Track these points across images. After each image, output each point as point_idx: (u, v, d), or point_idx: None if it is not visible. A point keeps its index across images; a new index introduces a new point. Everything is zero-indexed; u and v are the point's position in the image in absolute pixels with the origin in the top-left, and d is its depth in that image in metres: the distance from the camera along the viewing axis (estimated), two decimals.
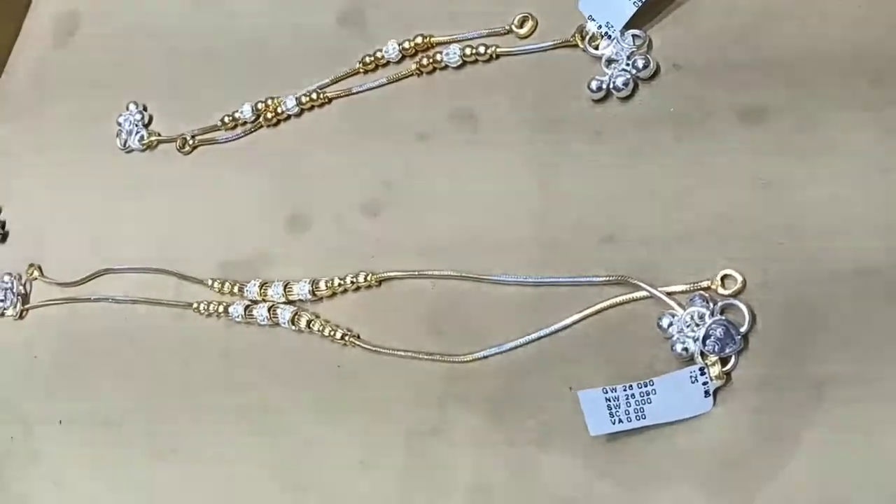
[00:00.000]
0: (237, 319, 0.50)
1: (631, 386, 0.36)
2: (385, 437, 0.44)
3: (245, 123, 0.55)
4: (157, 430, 0.51)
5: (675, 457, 0.36)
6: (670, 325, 0.37)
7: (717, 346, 0.36)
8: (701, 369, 0.35)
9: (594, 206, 0.42)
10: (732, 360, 0.36)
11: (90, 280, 0.58)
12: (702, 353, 0.36)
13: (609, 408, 0.36)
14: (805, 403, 0.35)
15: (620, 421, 0.36)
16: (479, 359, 0.43)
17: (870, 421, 0.34)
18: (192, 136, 0.57)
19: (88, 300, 0.58)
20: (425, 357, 0.44)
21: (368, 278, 0.47)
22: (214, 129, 0.56)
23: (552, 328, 0.41)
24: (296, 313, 0.48)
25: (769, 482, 0.34)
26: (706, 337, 0.36)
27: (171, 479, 0.50)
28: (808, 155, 0.38)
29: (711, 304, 0.37)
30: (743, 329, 0.36)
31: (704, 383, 0.35)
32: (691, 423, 0.36)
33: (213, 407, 0.50)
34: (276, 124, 0.54)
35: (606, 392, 0.36)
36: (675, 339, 0.37)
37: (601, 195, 0.42)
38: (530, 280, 0.42)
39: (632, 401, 0.36)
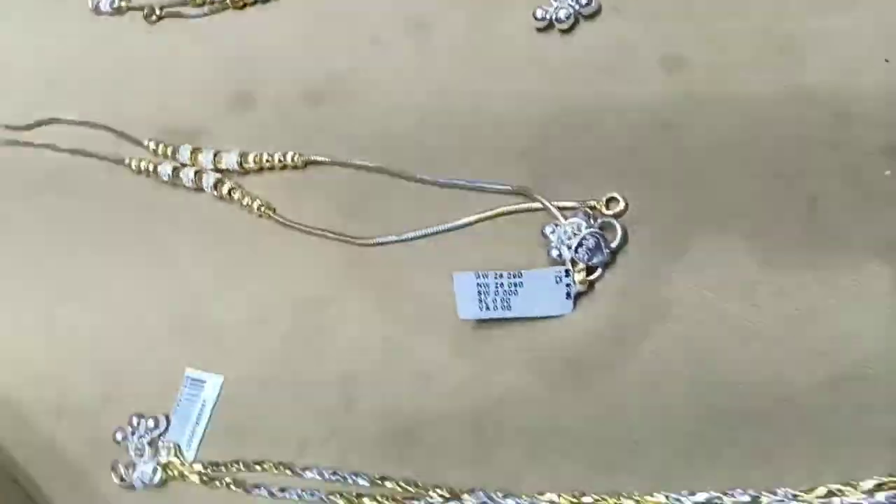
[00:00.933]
0: (164, 179, 0.52)
1: (501, 275, 0.38)
2: (277, 302, 0.46)
3: (213, 2, 0.57)
4: (69, 270, 0.53)
5: (529, 349, 0.39)
6: (553, 232, 0.40)
7: (586, 255, 0.39)
8: (567, 271, 0.38)
9: (518, 123, 0.45)
10: (599, 271, 0.39)
11: (37, 126, 0.60)
12: (573, 261, 0.39)
13: (479, 293, 0.39)
14: (652, 319, 0.38)
15: (488, 308, 0.39)
16: (379, 244, 0.45)
17: (701, 340, 0.37)
18: (161, 8, 0.59)
19: (31, 144, 0.59)
20: (331, 236, 0.47)
21: (295, 159, 0.49)
22: (183, 3, 0.58)
23: (450, 224, 0.44)
24: (219, 180, 0.51)
25: (604, 382, 0.37)
26: (578, 245, 0.39)
27: (74, 316, 0.52)
28: (712, 101, 0.41)
29: (592, 220, 0.40)
30: (613, 245, 0.39)
31: (568, 285, 0.38)
32: (550, 321, 0.39)
33: (126, 256, 0.52)
34: (241, 7, 0.56)
35: (479, 277, 0.39)
36: (552, 245, 0.40)
37: (526, 115, 0.45)
38: (441, 181, 0.45)
39: (500, 290, 0.39)
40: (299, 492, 0.41)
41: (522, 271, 0.38)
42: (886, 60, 0.37)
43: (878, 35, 0.38)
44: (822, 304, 0.35)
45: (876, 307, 0.34)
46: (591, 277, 0.39)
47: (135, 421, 0.47)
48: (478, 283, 0.39)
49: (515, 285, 0.39)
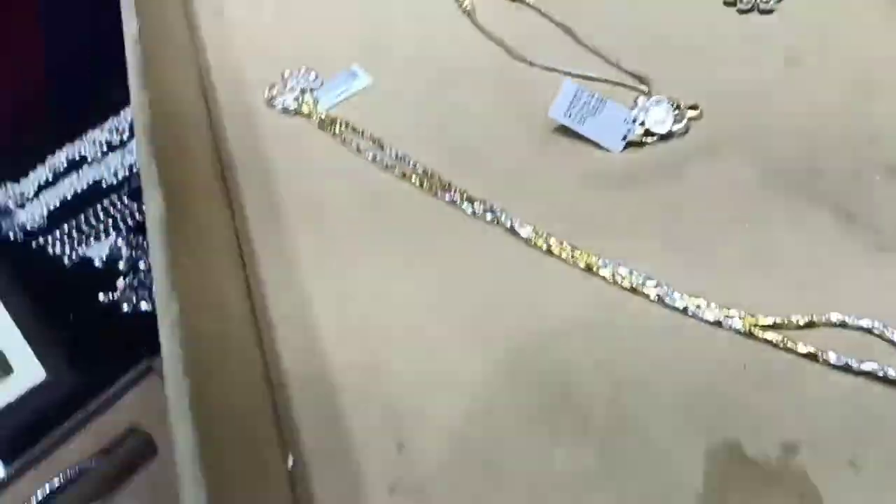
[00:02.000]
0: None
1: (594, 94, 0.53)
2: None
3: None
4: None
5: (577, 159, 0.53)
6: (640, 102, 0.54)
7: (653, 123, 0.52)
8: (634, 119, 0.52)
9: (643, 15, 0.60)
10: (654, 138, 0.53)
11: None
12: (642, 123, 0.53)
13: (572, 102, 0.53)
14: (664, 181, 0.51)
15: (570, 117, 0.53)
16: (531, 63, 0.61)
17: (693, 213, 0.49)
18: None
19: None
20: (505, 46, 0.62)
21: None
22: None
23: (579, 72, 0.58)
24: None
25: (609, 196, 0.51)
26: (652, 114, 0.52)
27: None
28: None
29: (672, 108, 0.53)
30: (674, 129, 0.52)
31: (628, 129, 0.52)
32: (600, 152, 0.53)
33: None
34: None
35: (579, 90, 0.53)
36: (638, 108, 0.53)
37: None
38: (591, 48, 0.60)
39: (586, 107, 0.53)
40: (386, 158, 0.56)
41: (607, 99, 0.52)
42: None
43: None
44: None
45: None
46: (646, 139, 0.53)
47: (302, 69, 0.64)
48: (576, 94, 0.53)
49: (596, 108, 0.53)
